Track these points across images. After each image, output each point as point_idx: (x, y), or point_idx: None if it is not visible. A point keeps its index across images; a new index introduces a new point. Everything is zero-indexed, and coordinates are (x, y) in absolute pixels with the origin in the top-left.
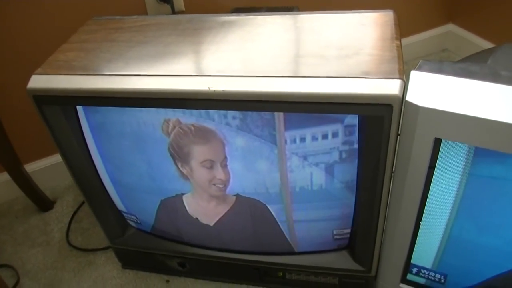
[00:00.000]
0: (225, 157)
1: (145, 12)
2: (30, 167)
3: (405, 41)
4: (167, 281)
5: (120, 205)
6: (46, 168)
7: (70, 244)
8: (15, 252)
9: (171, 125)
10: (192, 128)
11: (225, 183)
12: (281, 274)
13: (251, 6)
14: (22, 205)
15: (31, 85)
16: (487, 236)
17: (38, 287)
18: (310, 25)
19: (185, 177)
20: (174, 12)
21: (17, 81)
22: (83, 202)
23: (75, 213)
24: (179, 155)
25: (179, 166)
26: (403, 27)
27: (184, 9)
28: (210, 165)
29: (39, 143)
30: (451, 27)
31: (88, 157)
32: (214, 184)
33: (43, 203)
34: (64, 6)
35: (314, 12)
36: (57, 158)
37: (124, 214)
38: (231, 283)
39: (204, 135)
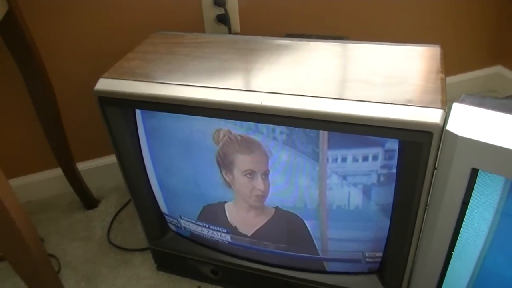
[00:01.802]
0: (267, 170)
1: (203, 31)
2: (81, 166)
3: (453, 79)
4: (199, 287)
5: (163, 208)
6: (96, 169)
7: (110, 242)
8: (59, 243)
9: (221, 135)
10: (239, 138)
11: (264, 194)
12: None
13: (303, 33)
14: (69, 200)
15: (98, 87)
16: None
17: (76, 277)
18: (359, 53)
19: (228, 185)
20: (230, 33)
21: (82, 84)
22: (125, 204)
23: (117, 213)
24: (224, 163)
25: (223, 174)
26: (452, 65)
27: (239, 31)
28: (251, 175)
29: (92, 144)
30: (499, 68)
31: (139, 159)
32: (255, 195)
33: (89, 201)
34: (131, 19)
35: (364, 42)
36: (106, 160)
37: (166, 217)
38: None
39: (249, 146)
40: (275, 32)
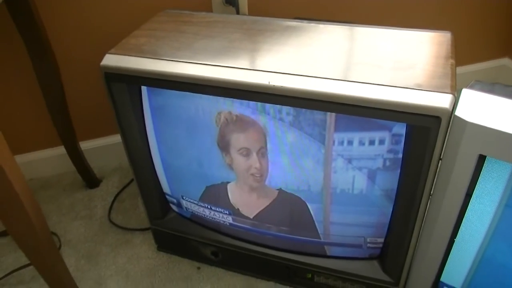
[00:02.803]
0: (262, 147)
1: (210, 11)
2: (84, 145)
3: (460, 69)
4: (198, 268)
5: (166, 188)
6: (99, 148)
7: (110, 221)
8: (59, 221)
9: (222, 117)
10: (235, 118)
11: (262, 173)
12: (310, 275)
13: (312, 17)
14: (71, 179)
15: (104, 63)
16: None
17: (77, 256)
18: (369, 37)
19: (230, 167)
20: (238, 14)
21: (88, 62)
22: (127, 184)
23: (119, 193)
24: (223, 144)
25: (224, 156)
26: (459, 55)
27: (247, 13)
28: (246, 153)
29: (96, 123)
30: (506, 61)
31: (144, 137)
32: (252, 174)
33: (91, 180)
34: None
35: (376, 26)
36: (109, 139)
37: (168, 197)
38: (259, 278)
39: (243, 124)
40: (285, 15)
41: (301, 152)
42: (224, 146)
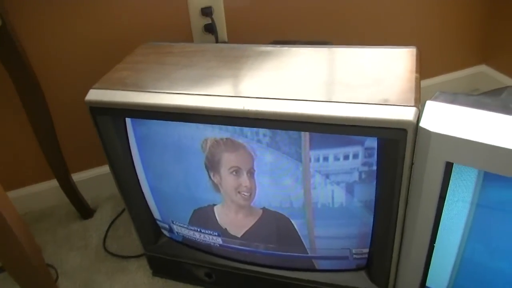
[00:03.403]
0: (252, 168)
1: (191, 40)
2: (77, 177)
3: (438, 79)
4: None
5: (156, 213)
6: (90, 179)
7: (106, 250)
8: (55, 253)
9: (208, 143)
10: (225, 139)
11: (250, 191)
12: None
13: (290, 39)
14: (65, 210)
15: (88, 98)
16: (499, 260)
17: (74, 286)
18: (340, 57)
19: (216, 188)
20: (217, 41)
21: (74, 95)
22: (120, 213)
23: (113, 222)
24: (211, 164)
25: (211, 176)
26: (437, 65)
27: (227, 40)
28: (236, 172)
29: (87, 155)
30: (483, 68)
31: (131, 165)
32: (240, 192)
33: (85, 211)
34: (122, 30)
35: (344, 46)
36: (100, 170)
37: (159, 223)
38: None
39: (234, 145)
40: (262, 40)
41: (281, 171)
42: (213, 165)
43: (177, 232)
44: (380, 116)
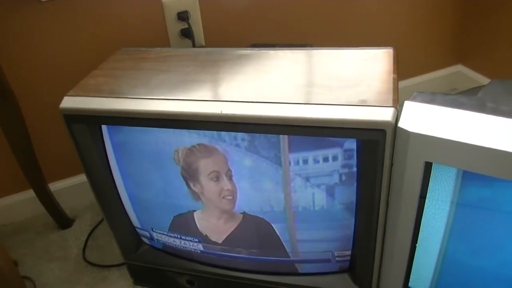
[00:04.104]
0: (229, 169)
1: (168, 46)
2: (54, 186)
3: (416, 79)
4: None
5: (135, 221)
6: (68, 188)
7: (85, 260)
8: (34, 265)
9: (180, 153)
10: (197, 146)
11: (233, 194)
12: None
13: (268, 42)
14: (43, 221)
15: (63, 105)
16: (480, 259)
17: None
18: (318, 59)
19: (197, 196)
20: (194, 46)
21: (49, 103)
22: (100, 221)
23: (92, 231)
24: (189, 174)
25: (191, 186)
26: (413, 67)
27: (204, 44)
28: (216, 177)
29: (63, 164)
30: (460, 68)
31: (109, 174)
32: (224, 197)
33: (63, 221)
34: (96, 36)
35: (323, 48)
36: (78, 179)
37: (139, 231)
38: None
39: (207, 149)
40: (240, 43)
41: (260, 175)
42: (191, 175)
43: (157, 240)
44: (358, 117)
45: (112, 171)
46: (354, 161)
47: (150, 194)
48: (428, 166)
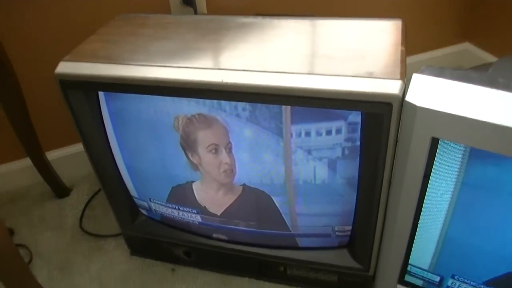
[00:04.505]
0: (229, 142)
1: (169, 13)
2: (51, 155)
3: (422, 56)
4: (173, 269)
5: (133, 191)
6: (66, 157)
7: (82, 229)
8: (30, 234)
9: (180, 121)
10: (197, 116)
11: (232, 168)
12: (282, 269)
13: (271, 13)
14: (40, 190)
15: (58, 70)
16: (482, 238)
17: (49, 267)
18: (324, 29)
19: (195, 167)
20: (196, 14)
21: (46, 70)
22: (97, 191)
23: (89, 201)
24: (188, 144)
25: (190, 156)
26: (420, 43)
27: (206, 12)
28: (215, 149)
29: (61, 132)
30: (467, 45)
31: (105, 142)
32: (222, 171)
33: (60, 190)
34: (95, 1)
35: (329, 17)
36: (76, 148)
37: (136, 201)
38: (233, 275)
39: (207, 121)
40: (243, 12)
41: (261, 147)
42: (190, 146)
43: (155, 210)
44: (364, 89)
45: (109, 140)
46: (357, 135)
47: (148, 164)
48: (434, 143)
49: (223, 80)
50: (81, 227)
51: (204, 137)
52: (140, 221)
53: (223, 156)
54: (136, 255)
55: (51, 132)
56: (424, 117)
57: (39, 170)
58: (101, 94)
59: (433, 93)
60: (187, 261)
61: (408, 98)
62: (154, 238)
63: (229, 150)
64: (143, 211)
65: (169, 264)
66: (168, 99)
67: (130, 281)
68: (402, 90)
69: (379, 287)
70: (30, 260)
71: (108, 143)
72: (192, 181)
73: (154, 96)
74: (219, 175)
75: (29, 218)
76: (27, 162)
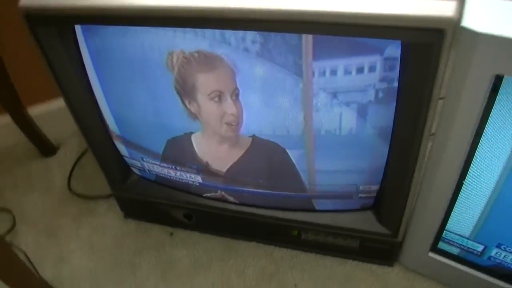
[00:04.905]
0: (236, 88)
1: None
2: (34, 111)
3: None
4: (171, 233)
5: (122, 149)
6: (51, 113)
7: (71, 191)
8: (14, 196)
9: (175, 58)
10: (196, 55)
11: (238, 120)
12: (296, 233)
13: None
14: (24, 149)
15: (23, 3)
16: None
17: (35, 232)
18: None
19: (194, 116)
20: None
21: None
22: (87, 149)
23: (78, 159)
24: (185, 90)
25: (187, 104)
26: None
27: None
28: (218, 97)
29: (44, 84)
30: None
31: (89, 91)
32: (226, 123)
33: (46, 148)
34: None
35: None
36: (62, 102)
37: (127, 160)
38: (239, 239)
39: (210, 61)
40: None
41: (274, 89)
42: (187, 91)
43: (149, 171)
44: (408, 12)
45: (92, 86)
46: (396, 73)
47: (140, 114)
48: (497, 82)
49: (228, 4)
50: (69, 188)
51: (205, 82)
52: (133, 181)
53: (228, 105)
54: (131, 218)
55: (31, 84)
56: (487, 47)
57: (20, 127)
58: (78, 29)
59: (498, 16)
60: (187, 224)
61: (466, 23)
62: (149, 199)
63: (235, 97)
64: (136, 171)
65: (167, 228)
66: (160, 31)
67: (124, 246)
68: (459, 13)
69: (407, 255)
70: (13, 226)
71: (91, 90)
72: (191, 132)
73: (143, 27)
74: (220, 127)
75: (13, 179)
76: (6, 119)
